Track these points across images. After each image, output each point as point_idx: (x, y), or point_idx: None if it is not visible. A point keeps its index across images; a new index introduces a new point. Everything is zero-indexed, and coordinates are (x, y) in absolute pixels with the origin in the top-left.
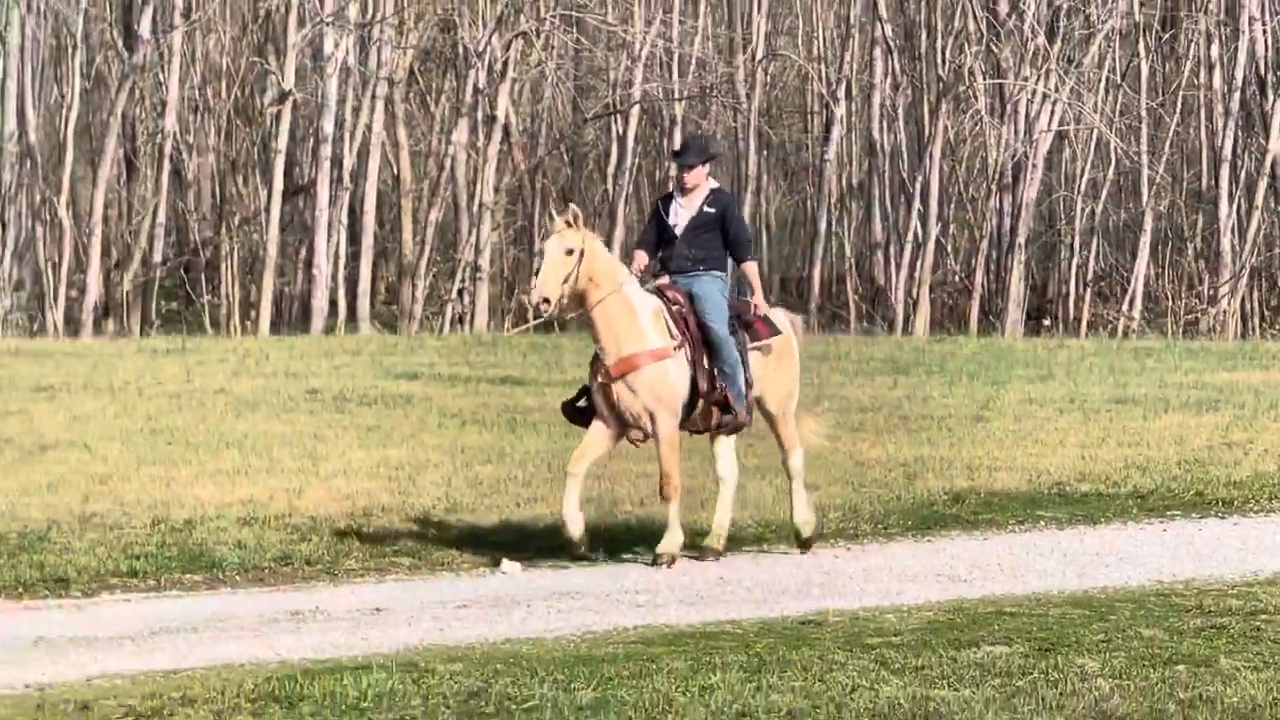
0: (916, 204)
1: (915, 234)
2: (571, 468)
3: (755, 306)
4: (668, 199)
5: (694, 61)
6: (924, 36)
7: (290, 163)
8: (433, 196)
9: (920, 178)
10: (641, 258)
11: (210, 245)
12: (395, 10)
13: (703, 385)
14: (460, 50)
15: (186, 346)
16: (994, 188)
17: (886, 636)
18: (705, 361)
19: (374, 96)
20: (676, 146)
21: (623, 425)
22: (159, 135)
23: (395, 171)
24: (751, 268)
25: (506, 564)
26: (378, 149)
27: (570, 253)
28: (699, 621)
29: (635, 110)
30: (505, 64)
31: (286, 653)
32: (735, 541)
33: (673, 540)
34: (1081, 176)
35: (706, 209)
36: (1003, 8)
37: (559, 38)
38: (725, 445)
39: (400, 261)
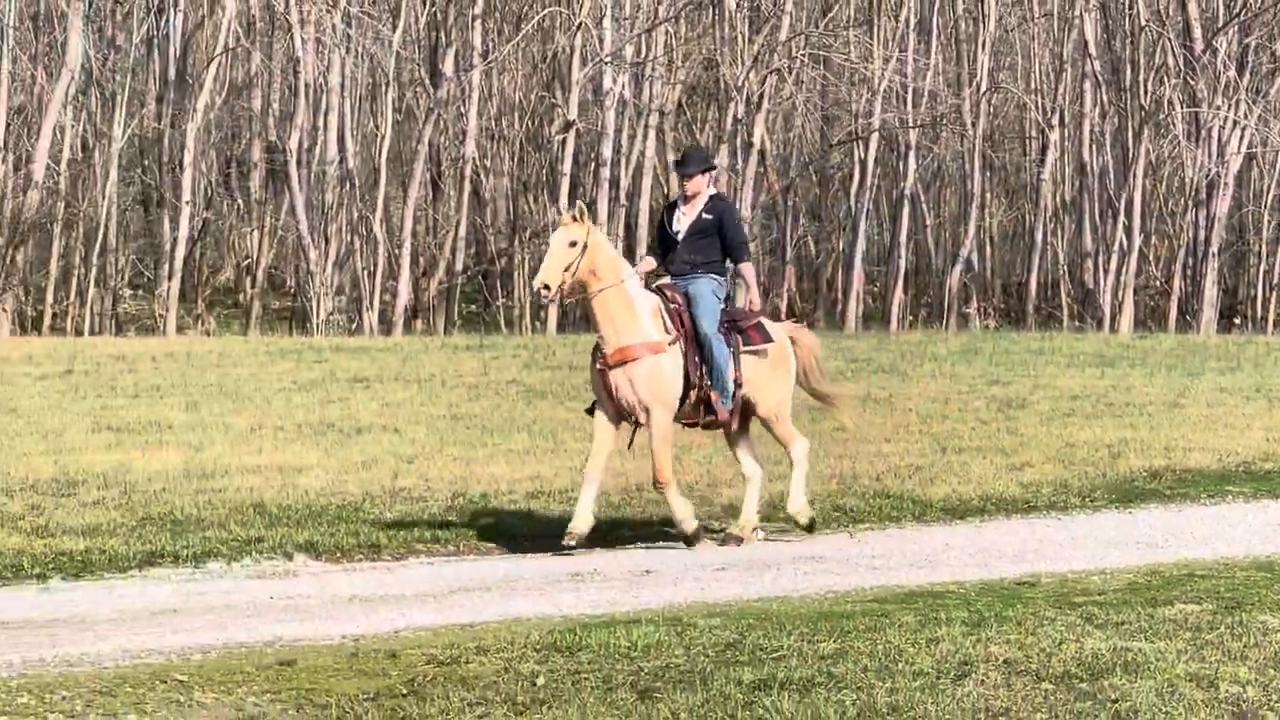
0: (1122, 218)
1: (1121, 244)
2: (587, 472)
3: (750, 304)
4: (672, 207)
5: (926, 94)
6: (1128, 71)
7: (574, 184)
8: None
9: (1125, 195)
10: (649, 263)
11: (504, 255)
12: (665, 51)
13: (694, 380)
14: (721, 85)
15: (484, 344)
16: (1190, 203)
17: (1091, 596)
18: (697, 358)
19: (646, 125)
20: (678, 159)
21: (620, 412)
22: (460, 160)
23: (665, 191)
24: (748, 268)
25: (759, 531)
26: (650, 171)
27: (573, 245)
28: (927, 582)
29: (874, 137)
30: (761, 97)
31: (568, 609)
32: (957, 513)
33: (687, 523)
34: (1268, 193)
35: (705, 215)
36: (1198, 45)
37: (808, 74)
38: (744, 448)
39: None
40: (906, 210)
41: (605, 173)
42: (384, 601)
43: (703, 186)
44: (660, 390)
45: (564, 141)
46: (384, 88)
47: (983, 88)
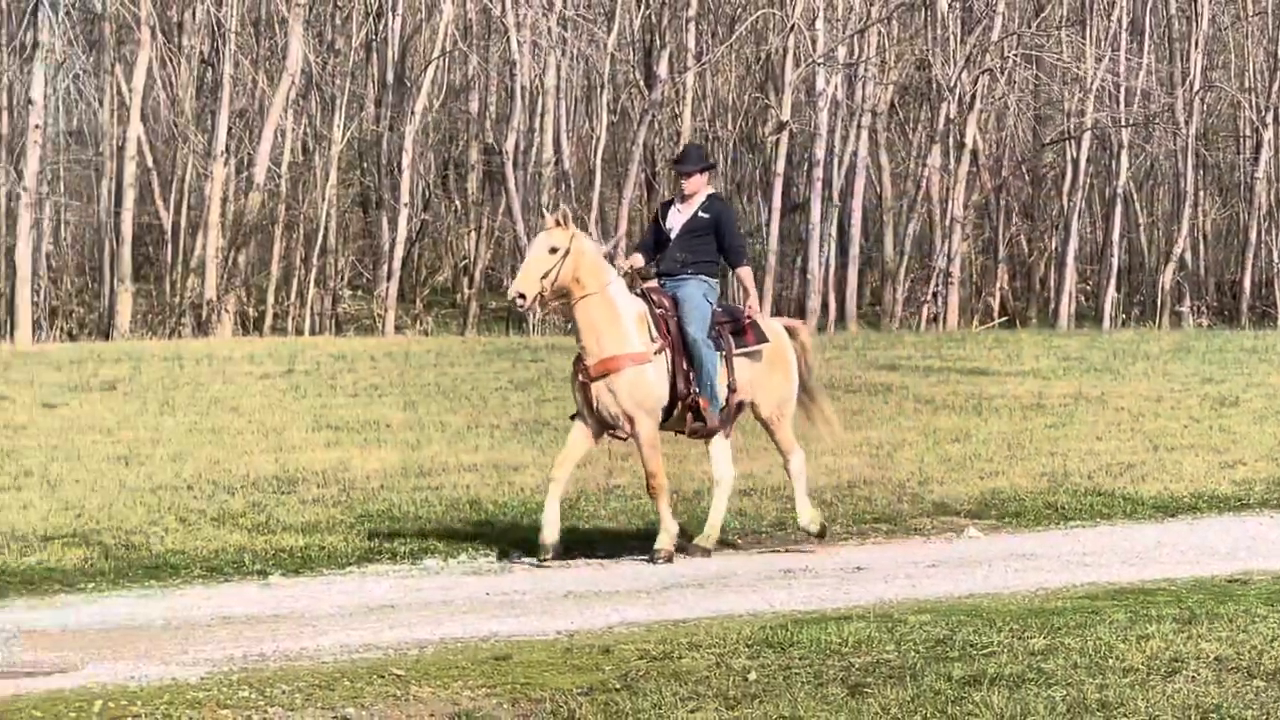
0: None
1: None
2: (554, 473)
3: (749, 308)
4: (668, 205)
5: (1138, 93)
6: None
7: (787, 184)
8: (910, 212)
9: None
10: (637, 259)
11: None
12: (878, 51)
13: (680, 388)
14: (934, 85)
15: None
16: None
17: None
18: (685, 365)
19: (859, 126)
20: (676, 156)
21: (602, 424)
22: None
23: (878, 190)
24: (745, 273)
25: (972, 530)
26: (863, 171)
27: (554, 251)
28: (1138, 579)
29: (1087, 136)
30: (973, 97)
31: (779, 605)
32: (1168, 510)
33: (667, 537)
34: None
35: (701, 214)
36: None
37: (1020, 73)
38: (720, 448)
39: (882, 268)
40: (1119, 209)
41: (818, 173)
42: (598, 597)
43: (701, 185)
44: (644, 399)
45: (777, 142)
46: (599, 89)
47: (1195, 86)
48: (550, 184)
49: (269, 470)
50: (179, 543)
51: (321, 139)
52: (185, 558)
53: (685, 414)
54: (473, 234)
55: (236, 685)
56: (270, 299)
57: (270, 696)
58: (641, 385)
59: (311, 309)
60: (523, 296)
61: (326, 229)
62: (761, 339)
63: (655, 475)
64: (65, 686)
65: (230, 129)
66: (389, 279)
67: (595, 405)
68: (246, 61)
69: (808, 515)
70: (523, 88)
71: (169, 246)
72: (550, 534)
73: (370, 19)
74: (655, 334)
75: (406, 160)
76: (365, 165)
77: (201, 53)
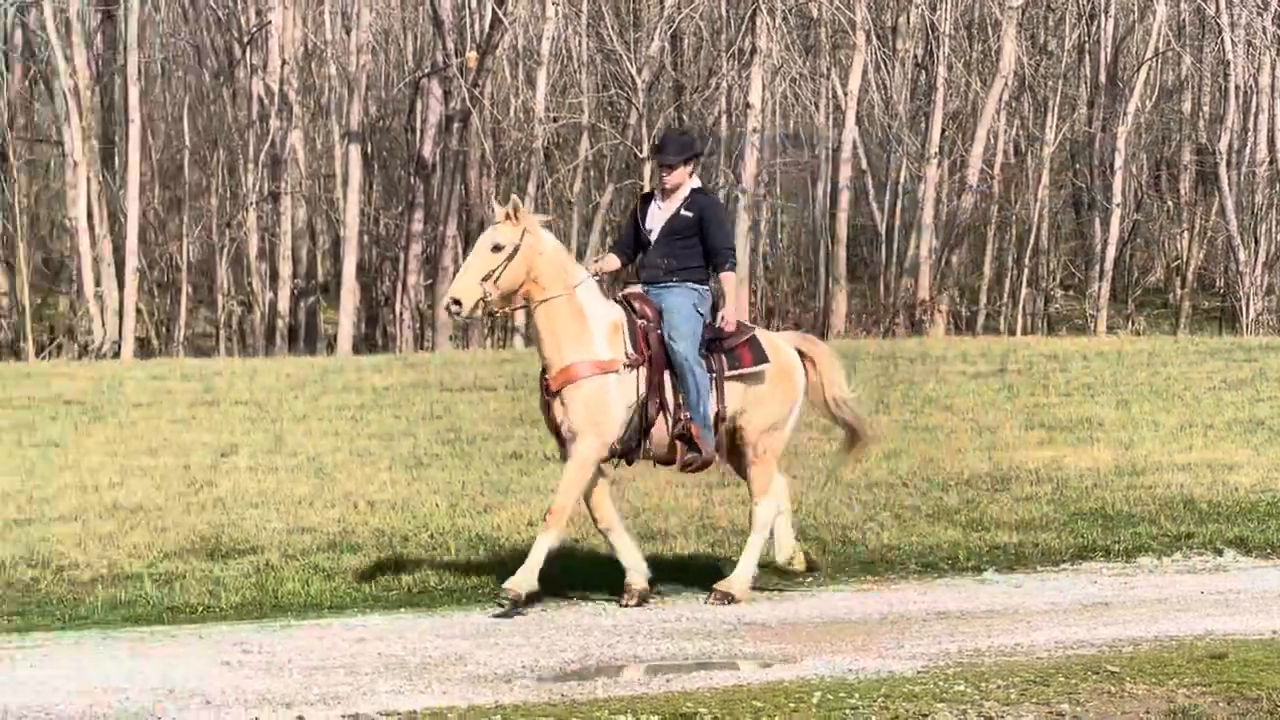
0: None
1: None
2: (601, 525)
3: (723, 320)
4: (647, 199)
5: None
6: None
7: None
8: None
9: None
10: (611, 261)
11: None
12: None
13: (652, 412)
14: None
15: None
16: None
17: None
18: (668, 387)
19: None
20: (654, 143)
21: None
22: None
23: None
24: (729, 279)
25: None
26: None
27: (498, 249)
28: None
29: None
30: None
31: None
32: None
33: (525, 578)
34: None
35: (684, 212)
36: None
37: None
38: (780, 482)
39: None
40: None
41: None
42: None
43: (684, 178)
44: (598, 416)
45: None
46: None
47: None
48: (1264, 184)
49: (982, 468)
50: (894, 538)
51: (1034, 140)
52: (900, 553)
53: (673, 444)
54: (1185, 234)
55: (952, 679)
56: (983, 299)
57: (985, 691)
58: (598, 399)
59: (1023, 309)
60: (458, 303)
61: (1038, 229)
62: (760, 359)
63: (564, 509)
64: (784, 678)
65: (943, 131)
66: (1101, 279)
67: (563, 427)
68: (959, 64)
69: (742, 580)
70: (1236, 87)
71: (882, 247)
72: (637, 577)
73: (1082, 21)
74: (631, 348)
75: (1119, 161)
76: (1077, 166)
77: (915, 56)
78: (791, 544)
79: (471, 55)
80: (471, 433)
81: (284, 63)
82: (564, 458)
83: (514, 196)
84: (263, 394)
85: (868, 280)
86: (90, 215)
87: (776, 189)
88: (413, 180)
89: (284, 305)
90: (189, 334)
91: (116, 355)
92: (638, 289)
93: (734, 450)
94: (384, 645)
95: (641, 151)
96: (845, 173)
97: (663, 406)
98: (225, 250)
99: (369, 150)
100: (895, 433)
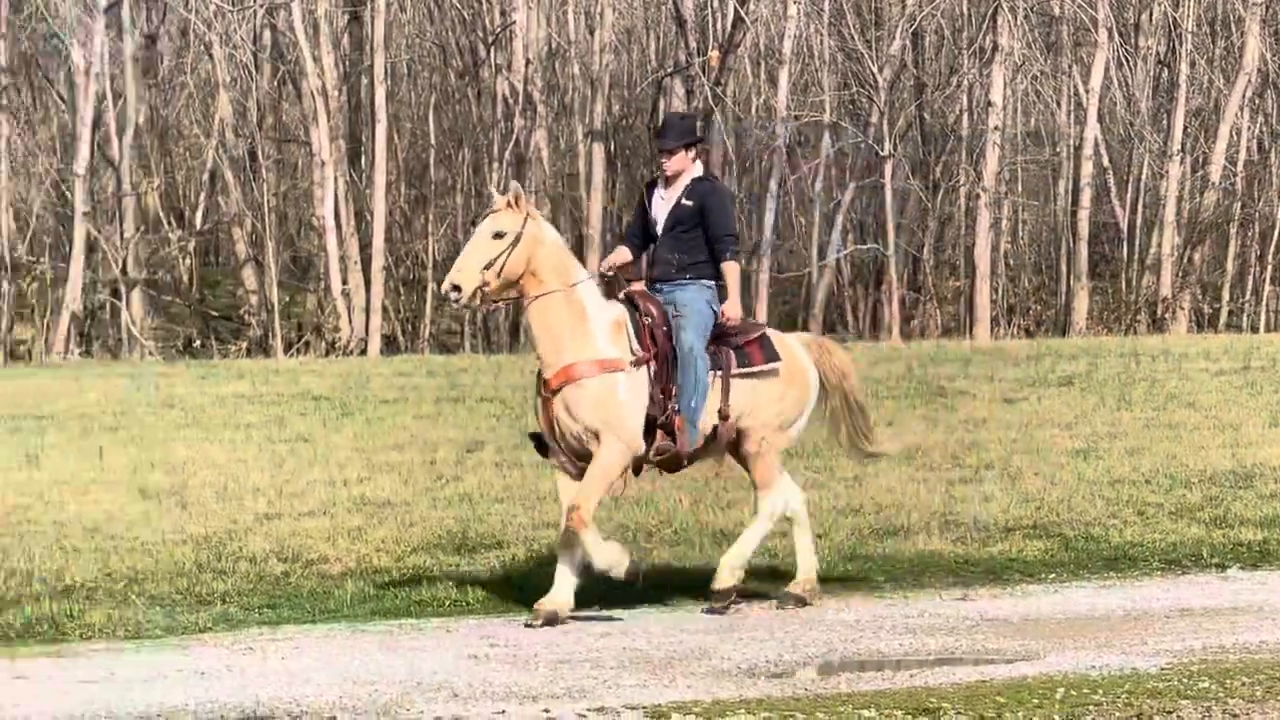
0: None
1: None
2: (563, 541)
3: (723, 313)
4: (651, 187)
5: None
6: None
7: None
8: None
9: None
10: (622, 254)
11: None
12: None
13: (654, 412)
14: None
15: None
16: None
17: None
18: (669, 380)
19: None
20: (655, 128)
21: (574, 457)
22: None
23: None
24: (731, 269)
25: None
26: None
27: (500, 236)
28: None
29: None
30: None
31: None
32: None
33: (560, 595)
34: None
35: (685, 201)
36: None
37: None
38: (788, 479)
39: None
40: None
41: None
42: None
43: (686, 164)
44: (612, 415)
45: None
46: None
47: None
48: None
49: (1225, 465)
50: (1137, 535)
51: (1277, 137)
52: (1143, 550)
53: (655, 430)
54: None
55: (1196, 676)
56: (1225, 296)
57: (1230, 688)
58: (609, 397)
59: (1267, 306)
60: (457, 289)
61: None
62: (771, 357)
63: (585, 507)
64: (1028, 674)
65: (1185, 128)
66: None
67: (557, 430)
68: (1202, 61)
69: (728, 576)
70: None
71: (1124, 244)
72: (560, 597)
73: None
74: (636, 345)
75: None
76: None
77: (1157, 53)
78: (811, 566)
79: (714, 54)
80: None
81: (528, 62)
82: (571, 468)
83: (514, 184)
84: (507, 390)
85: (1109, 278)
86: (337, 214)
87: (1018, 186)
88: None
89: None
90: (434, 331)
91: (363, 352)
92: (641, 286)
93: (738, 447)
94: (628, 639)
95: (883, 150)
96: (1087, 170)
97: (666, 404)
98: None
99: (612, 149)
100: (1137, 430)
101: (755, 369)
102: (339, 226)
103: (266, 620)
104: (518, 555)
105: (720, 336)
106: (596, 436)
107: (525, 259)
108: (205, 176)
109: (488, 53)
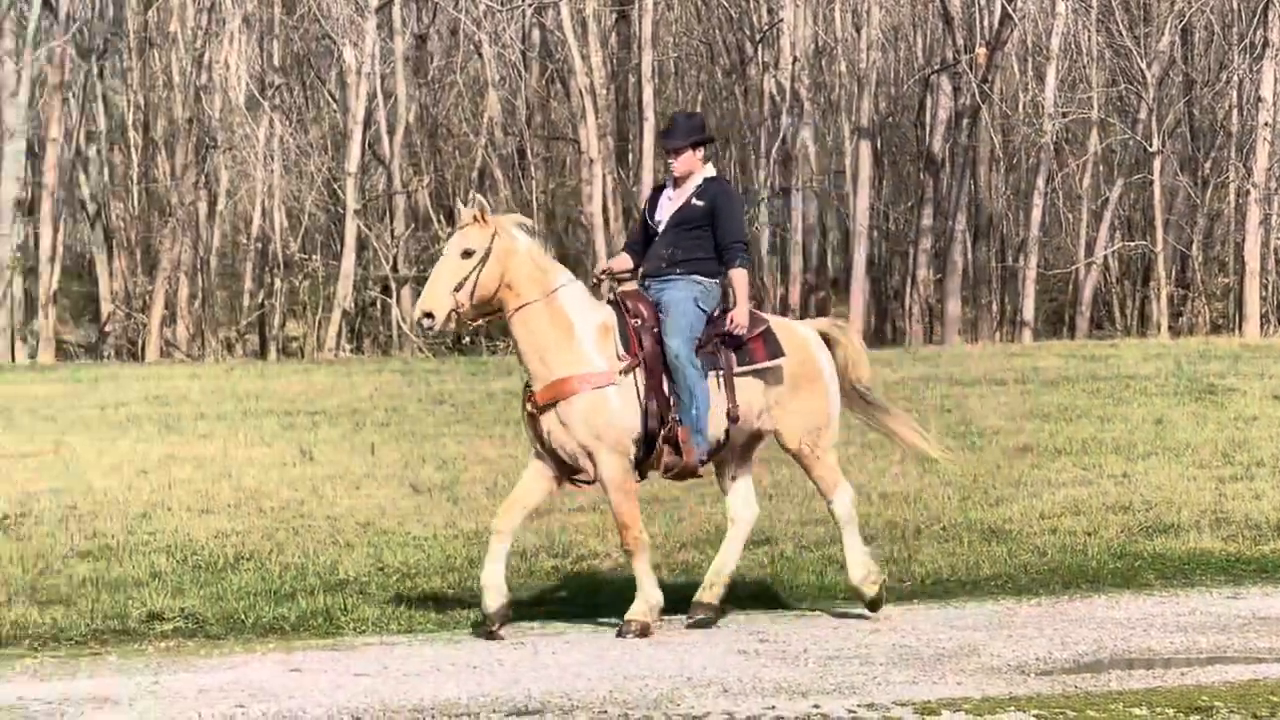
0: None
1: None
2: (497, 523)
3: (732, 321)
4: (658, 191)
5: None
6: None
7: None
8: None
9: None
10: (622, 260)
11: None
12: None
13: (653, 424)
14: None
15: None
16: None
17: None
18: (665, 388)
19: None
20: (662, 127)
21: (564, 466)
22: None
23: None
24: (739, 275)
25: None
26: None
27: (468, 255)
28: None
29: None
30: None
31: None
32: None
33: (644, 605)
34: None
35: (695, 201)
36: None
37: None
38: (740, 480)
39: None
40: None
41: None
42: None
43: (695, 165)
44: (604, 429)
45: None
46: None
47: None
48: None
49: None
50: None
51: None
52: None
53: (660, 449)
54: None
55: None
56: None
57: None
58: (600, 413)
59: None
60: (429, 316)
61: None
62: (775, 353)
63: (629, 527)
64: None
65: None
66: None
67: (548, 441)
68: None
69: (861, 571)
70: None
71: None
72: (493, 600)
73: None
74: (623, 350)
75: None
76: None
77: None
78: (726, 571)
79: (981, 51)
80: (982, 426)
81: (795, 60)
82: (552, 466)
83: (478, 196)
84: None
85: None
86: (605, 211)
87: None
88: (922, 176)
89: (794, 299)
90: None
91: None
92: (633, 287)
93: (746, 451)
94: (898, 636)
95: (1151, 146)
96: None
97: (664, 415)
98: None
99: (878, 146)
100: None
101: (759, 366)
102: (606, 224)
103: (537, 615)
104: (785, 551)
105: (720, 336)
106: (589, 454)
107: (498, 274)
108: (474, 174)
109: (755, 50)
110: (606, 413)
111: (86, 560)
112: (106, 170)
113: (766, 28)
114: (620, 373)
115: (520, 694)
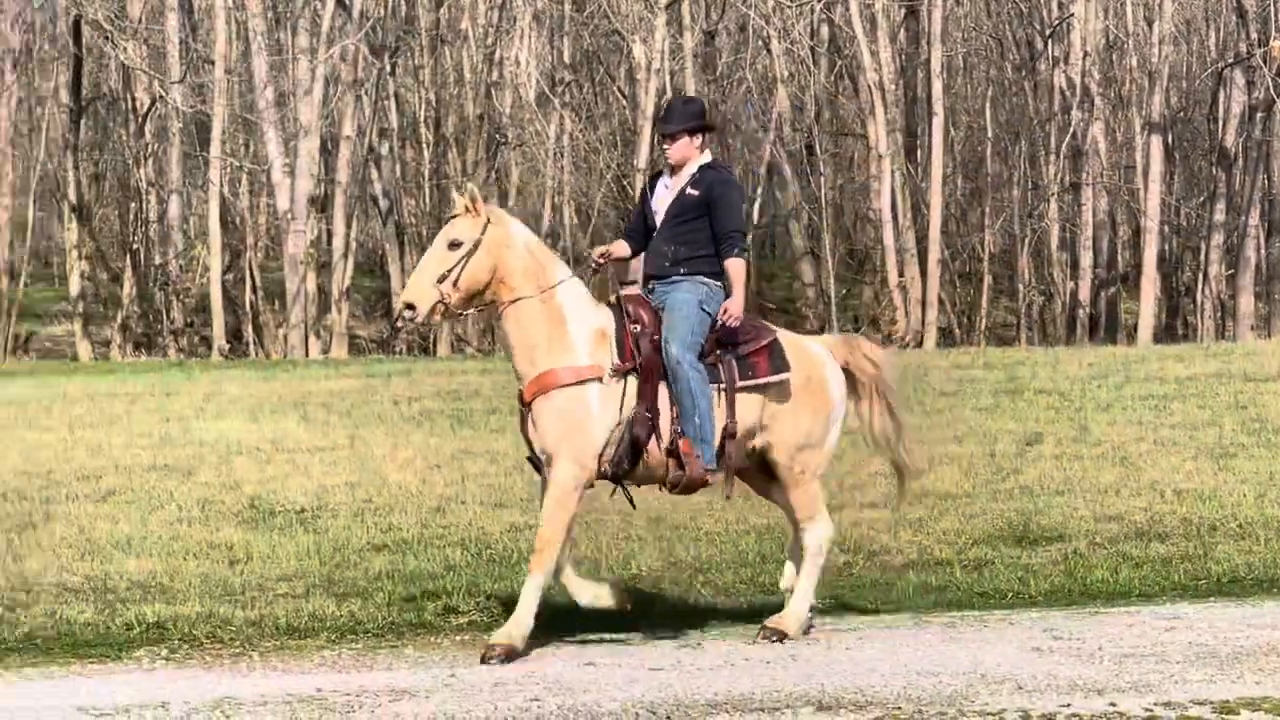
0: None
1: None
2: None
3: (726, 313)
4: (656, 178)
5: None
6: None
7: None
8: None
9: None
10: (619, 248)
11: None
12: None
13: (640, 432)
14: None
15: None
16: None
17: None
18: (663, 399)
19: None
20: (660, 112)
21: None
22: None
23: None
24: (735, 266)
25: None
26: None
27: (455, 246)
28: None
29: None
30: None
31: None
32: None
33: (515, 626)
34: None
35: (690, 191)
36: None
37: None
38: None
39: None
40: None
41: None
42: None
43: (690, 152)
44: (572, 434)
45: None
46: None
47: None
48: None
49: None
50: None
51: None
52: None
53: (665, 462)
54: None
55: None
56: None
57: None
58: (572, 411)
59: None
60: (411, 308)
61: None
62: (780, 368)
63: (548, 548)
64: None
65: None
66: None
67: (537, 446)
68: None
69: (795, 615)
70: None
71: None
72: (604, 595)
73: None
74: (618, 359)
75: None
76: None
77: None
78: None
79: (1275, 44)
80: (1278, 424)
81: (1085, 54)
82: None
83: (469, 184)
84: (1065, 383)
85: None
86: (894, 207)
87: None
88: (1214, 170)
89: (1084, 295)
90: (990, 323)
91: (919, 344)
92: (634, 290)
93: (759, 469)
94: (1194, 634)
95: None
96: None
97: (655, 422)
98: (1026, 240)
99: (1170, 141)
100: None
101: (762, 381)
102: (895, 219)
103: (831, 610)
104: (1079, 548)
105: (723, 345)
106: (549, 460)
107: (489, 267)
108: (762, 169)
109: (1045, 45)
110: (581, 414)
111: (382, 553)
112: (398, 167)
113: (1056, 22)
114: (611, 376)
115: (814, 689)
